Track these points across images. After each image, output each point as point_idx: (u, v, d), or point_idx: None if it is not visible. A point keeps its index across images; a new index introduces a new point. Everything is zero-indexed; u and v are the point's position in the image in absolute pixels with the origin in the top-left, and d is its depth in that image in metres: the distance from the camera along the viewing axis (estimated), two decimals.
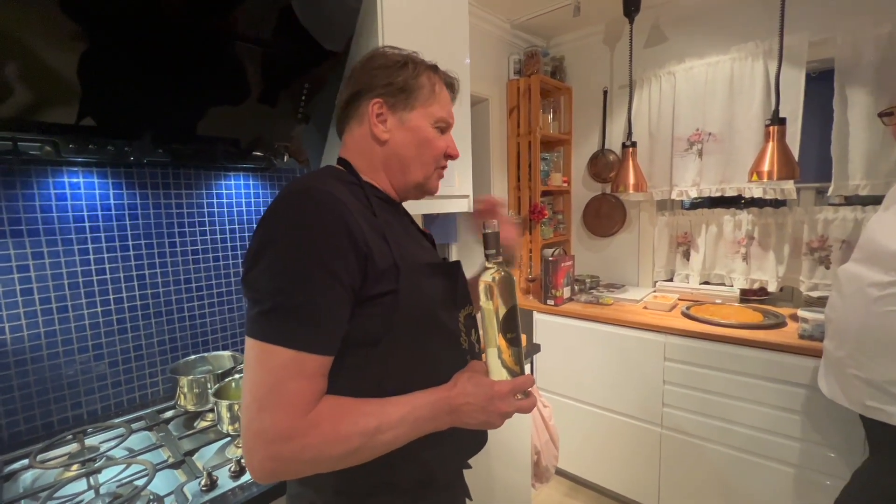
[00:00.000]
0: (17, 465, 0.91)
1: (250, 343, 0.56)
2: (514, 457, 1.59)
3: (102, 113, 0.98)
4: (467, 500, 0.86)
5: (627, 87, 2.26)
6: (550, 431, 1.64)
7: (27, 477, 0.90)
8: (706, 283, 2.23)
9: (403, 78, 0.71)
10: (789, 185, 1.88)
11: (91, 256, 1.08)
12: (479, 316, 0.73)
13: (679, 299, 2.15)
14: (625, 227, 2.48)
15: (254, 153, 1.31)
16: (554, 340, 2.17)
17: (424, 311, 0.68)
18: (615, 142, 2.43)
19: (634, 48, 2.17)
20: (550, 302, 2.18)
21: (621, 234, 2.49)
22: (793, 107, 1.81)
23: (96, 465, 0.90)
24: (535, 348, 1.62)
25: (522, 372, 0.68)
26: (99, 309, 1.10)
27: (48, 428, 1.03)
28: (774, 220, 1.97)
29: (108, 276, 1.11)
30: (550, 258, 2.17)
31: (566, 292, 2.22)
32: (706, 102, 2.06)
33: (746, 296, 2.08)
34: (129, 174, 1.14)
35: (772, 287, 1.99)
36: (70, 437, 0.99)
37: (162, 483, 0.86)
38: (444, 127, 0.76)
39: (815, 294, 1.87)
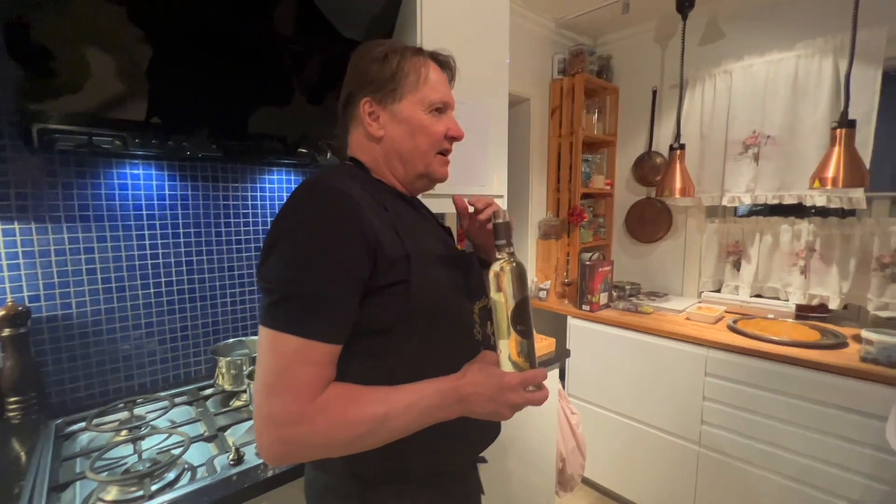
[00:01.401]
0: (76, 427, 1.01)
1: (262, 331, 0.59)
2: (538, 463, 1.56)
3: (166, 111, 1.06)
4: (481, 495, 0.87)
5: (678, 87, 2.15)
6: (577, 439, 1.60)
7: (84, 438, 1.00)
8: (758, 296, 2.08)
9: (386, 71, 0.72)
10: (858, 194, 1.72)
11: (147, 242, 1.18)
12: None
13: (726, 312, 2.02)
14: (670, 234, 2.36)
15: (299, 150, 1.37)
16: (588, 347, 2.11)
17: (436, 301, 0.68)
18: (663, 144, 2.32)
19: (688, 46, 2.06)
20: (586, 307, 2.13)
21: (666, 240, 2.38)
22: (866, 108, 1.65)
23: (141, 432, 0.98)
24: (566, 353, 1.58)
25: (533, 365, 0.67)
26: (151, 290, 1.20)
27: (104, 396, 1.14)
28: (840, 232, 1.81)
29: (160, 261, 1.21)
30: (587, 262, 2.11)
31: (603, 298, 2.15)
32: (766, 103, 1.92)
33: (803, 312, 1.93)
34: (182, 167, 1.24)
35: (833, 304, 1.82)
36: (122, 405, 1.09)
37: (196, 454, 0.92)
38: (441, 109, 0.76)
39: (884, 314, 1.70)
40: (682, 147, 2.04)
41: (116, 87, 0.99)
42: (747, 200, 2.00)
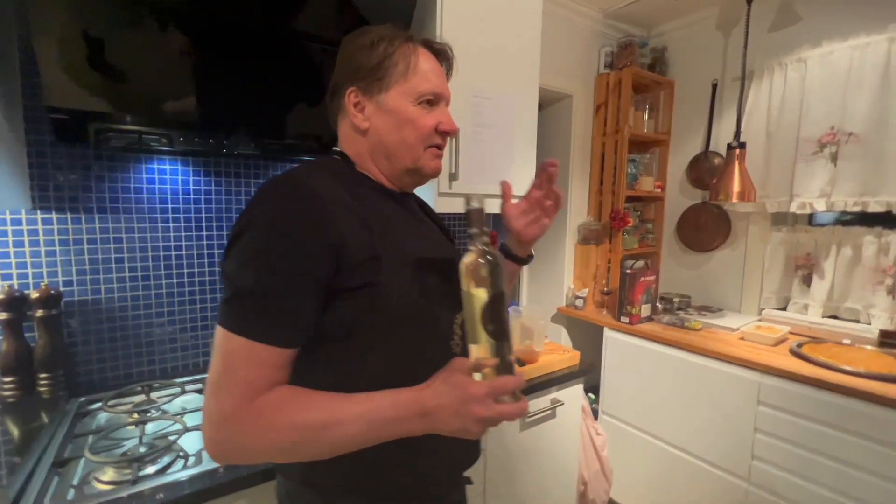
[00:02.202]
0: (94, 406, 1.08)
1: (217, 328, 0.57)
2: (557, 485, 1.45)
3: (209, 111, 1.11)
4: None
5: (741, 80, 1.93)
6: (602, 462, 1.47)
7: (102, 417, 1.06)
8: (833, 317, 1.81)
9: (373, 59, 0.66)
10: None
11: (171, 234, 1.24)
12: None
13: (790, 333, 1.78)
14: (728, 243, 2.13)
15: (333, 148, 1.38)
16: (625, 362, 1.95)
17: (408, 307, 0.63)
18: (722, 143, 2.09)
19: (756, 32, 1.84)
20: (625, 319, 1.97)
21: (723, 249, 2.15)
22: None
23: (149, 416, 1.02)
24: (590, 368, 1.46)
25: (509, 372, 0.58)
26: (174, 280, 1.25)
27: (128, 378, 1.21)
28: None
29: (183, 252, 1.26)
30: (628, 270, 1.95)
31: (645, 310, 1.98)
32: (847, 95, 1.67)
33: (889, 339, 1.64)
34: (206, 163, 1.28)
35: None
36: (139, 388, 1.15)
37: (192, 442, 0.94)
38: (432, 100, 0.69)
39: None
40: (742, 146, 1.82)
41: (167, 89, 1.05)
42: (821, 207, 1.75)
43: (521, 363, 1.31)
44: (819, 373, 1.41)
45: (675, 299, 2.14)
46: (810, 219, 1.97)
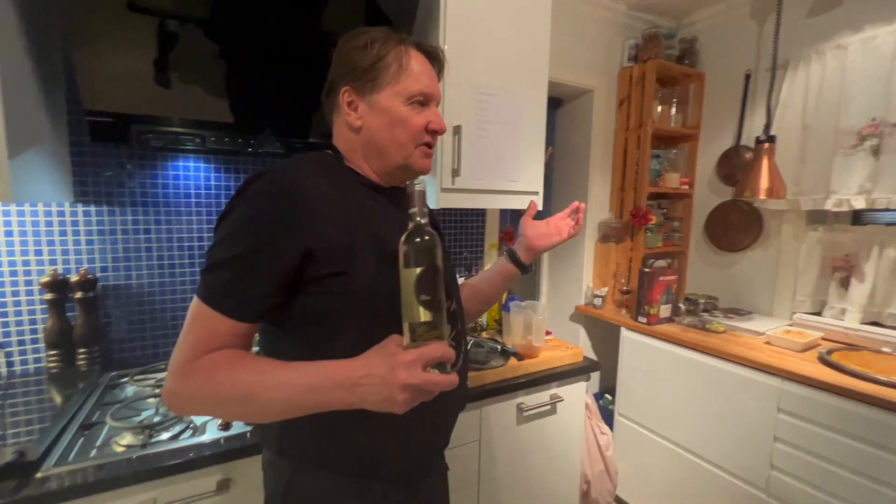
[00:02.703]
0: (123, 380, 1.20)
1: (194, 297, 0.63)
2: (558, 483, 1.45)
3: (240, 113, 1.21)
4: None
5: (780, 70, 1.82)
6: (606, 462, 1.45)
7: (129, 390, 1.17)
8: (874, 323, 1.68)
9: (367, 59, 0.70)
10: None
11: (194, 226, 1.35)
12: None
13: (823, 339, 1.67)
14: (760, 242, 2.01)
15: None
16: (642, 363, 1.90)
17: (379, 296, 0.67)
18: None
19: (792, 19, 1.73)
20: (642, 319, 1.91)
21: (754, 249, 2.04)
22: None
23: None
24: (593, 365, 1.44)
25: (444, 370, 0.58)
26: (196, 269, 1.36)
27: (154, 356, 1.33)
28: None
29: (204, 243, 1.37)
30: (647, 269, 1.89)
31: (664, 311, 1.92)
32: (892, 83, 1.54)
33: None
34: (226, 161, 1.38)
35: None
36: (163, 366, 1.26)
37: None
38: (421, 101, 0.73)
39: None
40: (771, 139, 1.72)
41: (202, 93, 1.15)
42: (859, 204, 1.62)
43: (520, 357, 1.32)
44: (846, 381, 1.31)
45: (701, 300, 2.06)
46: (855, 217, 1.83)
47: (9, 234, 1.13)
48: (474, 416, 1.23)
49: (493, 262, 1.81)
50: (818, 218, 1.86)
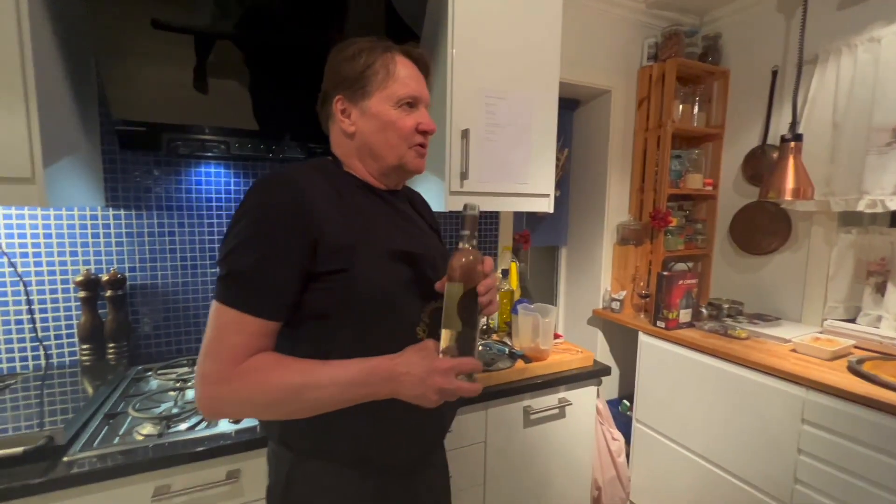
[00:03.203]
0: (148, 374, 1.27)
1: (213, 303, 0.67)
2: (567, 487, 1.43)
3: (264, 120, 1.27)
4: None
5: (809, 65, 1.74)
6: (618, 469, 1.42)
7: (153, 383, 1.25)
8: None
9: (356, 68, 0.74)
10: None
11: (215, 229, 1.42)
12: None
13: (856, 347, 1.58)
14: (788, 245, 1.93)
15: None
16: (660, 369, 1.85)
17: (378, 293, 0.70)
18: None
19: (821, 12, 1.66)
20: (660, 324, 1.87)
21: (781, 252, 1.95)
22: None
23: (187, 385, 1.19)
24: (604, 370, 1.41)
25: (472, 356, 0.67)
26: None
27: (178, 352, 1.40)
28: None
29: None
30: (665, 273, 1.85)
31: (683, 316, 1.86)
32: None
33: None
34: (245, 167, 1.45)
35: None
36: (185, 361, 1.33)
37: None
38: (411, 103, 0.76)
39: None
40: (797, 138, 1.65)
41: (227, 102, 1.22)
42: (894, 205, 1.53)
43: (528, 360, 1.32)
44: (878, 392, 1.24)
45: (725, 305, 1.99)
46: (893, 219, 1.73)
47: (48, 236, 1.23)
48: (479, 416, 1.23)
49: (507, 265, 1.82)
50: (852, 219, 1.77)
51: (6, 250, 1.18)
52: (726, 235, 2.15)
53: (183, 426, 1.01)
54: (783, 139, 1.69)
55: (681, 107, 2.09)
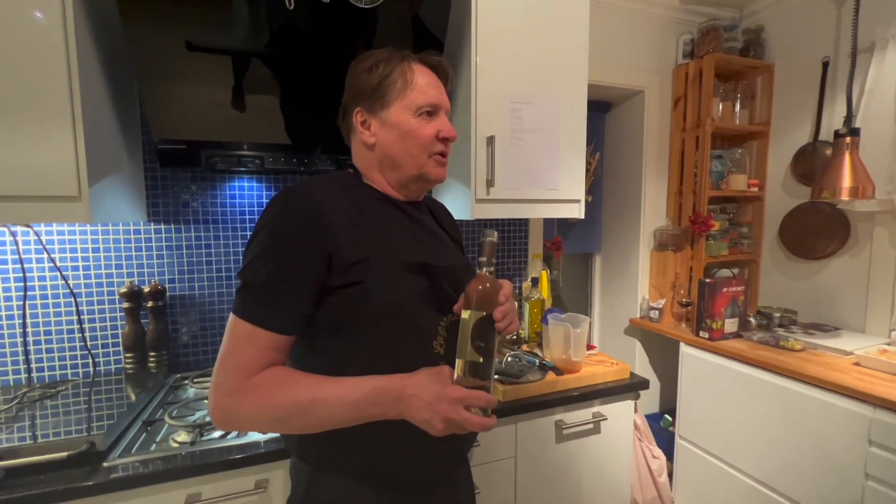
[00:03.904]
0: (185, 382, 1.31)
1: (230, 314, 0.68)
2: None
3: (297, 135, 1.30)
4: None
5: (863, 54, 1.62)
6: (659, 489, 1.34)
7: (190, 391, 1.29)
8: None
9: (374, 80, 0.73)
10: None
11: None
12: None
13: None
14: (847, 248, 1.78)
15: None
16: (704, 382, 1.74)
17: (393, 305, 0.69)
18: None
19: None
20: (704, 334, 1.76)
21: (839, 256, 1.80)
22: None
23: None
24: (642, 384, 1.34)
25: (487, 388, 0.64)
26: None
27: (214, 361, 1.44)
28: None
29: None
30: (708, 280, 1.74)
31: (729, 325, 1.75)
32: None
33: None
34: (276, 180, 1.49)
35: None
36: None
37: None
38: (431, 111, 0.75)
39: None
40: (853, 132, 1.53)
41: (262, 118, 1.26)
42: None
43: (559, 372, 1.27)
44: None
45: (777, 314, 1.86)
46: None
47: (96, 251, 1.30)
48: (509, 430, 1.19)
49: (537, 273, 1.77)
50: None
51: (59, 265, 1.26)
52: (776, 239, 2.01)
53: (216, 434, 1.03)
54: (837, 134, 1.56)
55: (721, 104, 1.99)
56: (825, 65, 1.81)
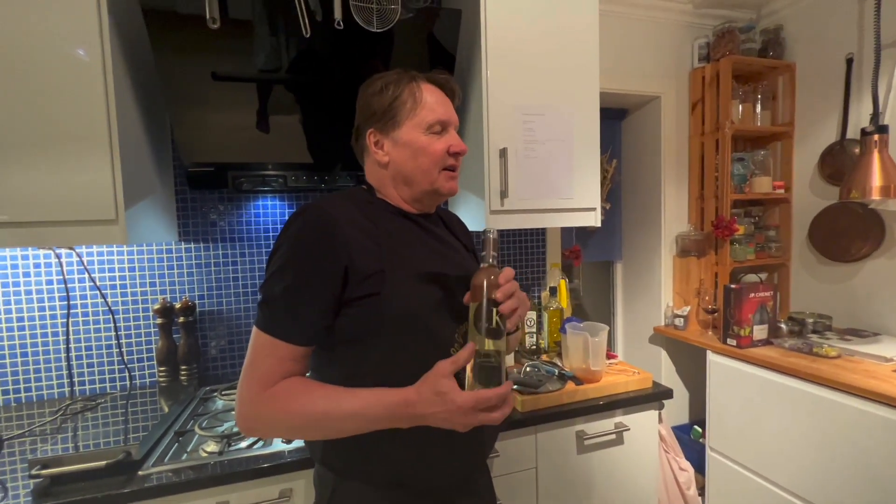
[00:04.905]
0: (214, 394, 1.36)
1: (253, 328, 0.72)
2: None
3: (318, 153, 1.36)
4: None
5: (884, 49, 1.57)
6: (687, 502, 1.29)
7: (219, 403, 1.34)
8: None
9: (384, 101, 0.77)
10: None
11: None
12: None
13: None
14: (884, 249, 1.71)
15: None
16: (733, 392, 1.69)
17: (409, 315, 0.71)
18: None
19: None
20: (732, 342, 1.71)
21: (877, 258, 1.73)
22: None
23: None
24: (665, 393, 1.31)
25: (498, 379, 0.66)
26: None
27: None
28: None
29: None
30: (733, 286, 1.70)
31: (758, 332, 1.69)
32: None
33: None
34: (297, 198, 1.55)
35: None
36: None
37: None
38: (440, 129, 0.78)
39: None
40: (881, 130, 1.48)
41: (285, 139, 1.32)
42: None
43: (579, 382, 1.26)
44: None
45: (809, 320, 1.79)
46: None
47: (132, 269, 1.38)
48: (529, 441, 1.19)
49: (555, 283, 1.77)
50: None
51: (98, 284, 1.34)
52: (805, 242, 1.95)
53: (243, 444, 1.07)
54: (864, 132, 1.52)
55: (741, 106, 1.96)
56: (849, 61, 1.76)
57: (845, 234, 1.79)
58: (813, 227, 1.90)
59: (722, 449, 1.74)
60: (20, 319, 1.30)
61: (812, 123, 1.91)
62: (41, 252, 1.30)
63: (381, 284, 0.70)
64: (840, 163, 1.80)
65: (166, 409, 1.22)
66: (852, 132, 1.76)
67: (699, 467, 1.84)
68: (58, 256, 1.31)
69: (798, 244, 1.99)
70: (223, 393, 1.34)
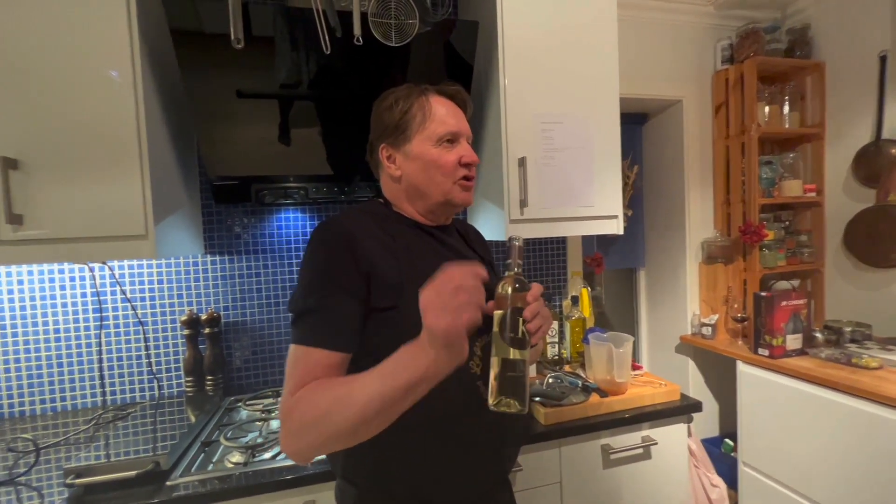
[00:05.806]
0: (239, 404, 1.38)
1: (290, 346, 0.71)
2: None
3: (337, 165, 1.38)
4: None
5: None
6: None
7: (243, 413, 1.36)
8: None
9: (395, 116, 0.78)
10: None
11: (294, 269, 1.54)
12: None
13: None
14: None
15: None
16: (767, 404, 1.62)
17: None
18: None
19: None
20: (763, 352, 1.65)
21: None
22: None
23: (271, 415, 1.27)
24: (694, 406, 1.26)
25: (523, 389, 0.64)
26: None
27: (264, 384, 1.52)
28: None
29: None
30: (763, 293, 1.64)
31: (791, 342, 1.63)
32: None
33: None
34: (318, 210, 1.57)
35: None
36: (270, 392, 1.43)
37: None
38: (451, 140, 0.78)
39: None
40: None
41: (306, 152, 1.35)
42: None
43: (603, 394, 1.23)
44: None
45: (847, 329, 1.71)
46: None
47: (160, 282, 1.42)
48: (553, 455, 1.16)
49: (577, 291, 1.74)
50: None
51: (129, 297, 1.39)
52: (840, 246, 1.87)
53: (267, 455, 1.08)
54: None
55: (767, 108, 1.90)
56: (883, 59, 1.69)
57: (885, 238, 1.71)
58: (849, 232, 1.83)
59: (755, 464, 1.67)
60: (56, 331, 1.35)
61: (844, 124, 1.84)
62: (76, 266, 1.35)
63: (400, 297, 0.70)
64: (876, 164, 1.72)
65: (193, 419, 1.24)
66: (888, 132, 1.69)
67: (731, 483, 1.77)
68: (91, 270, 1.36)
69: (832, 249, 1.91)
70: (247, 403, 1.36)
